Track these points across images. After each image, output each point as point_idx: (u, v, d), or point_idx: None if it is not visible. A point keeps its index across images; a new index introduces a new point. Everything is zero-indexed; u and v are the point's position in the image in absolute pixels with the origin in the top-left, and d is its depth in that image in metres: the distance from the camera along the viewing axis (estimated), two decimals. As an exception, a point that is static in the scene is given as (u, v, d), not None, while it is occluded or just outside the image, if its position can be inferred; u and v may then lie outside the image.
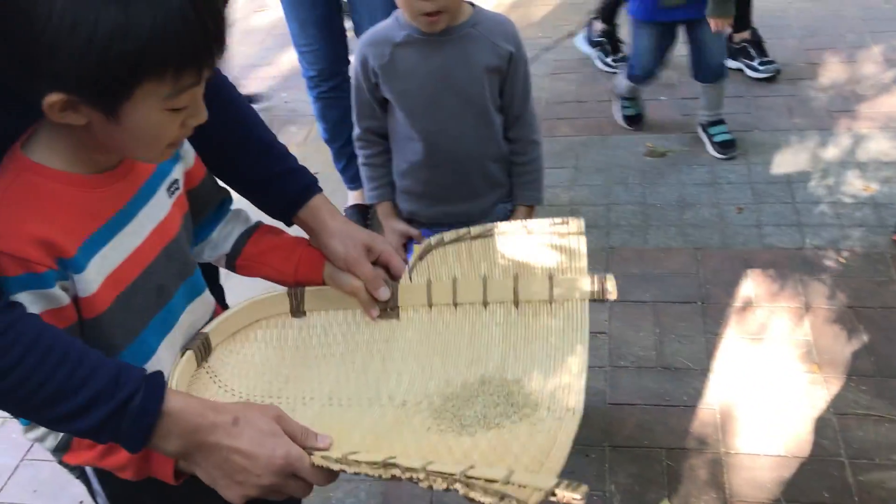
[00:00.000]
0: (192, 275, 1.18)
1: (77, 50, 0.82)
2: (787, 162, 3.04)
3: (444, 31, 1.60)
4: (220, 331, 1.19)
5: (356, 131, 1.81)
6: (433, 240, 1.24)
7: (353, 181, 2.89)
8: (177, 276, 1.14)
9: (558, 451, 0.92)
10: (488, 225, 1.22)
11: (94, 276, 0.99)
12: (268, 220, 1.30)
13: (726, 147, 3.10)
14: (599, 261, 2.66)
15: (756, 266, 2.57)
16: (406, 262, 1.25)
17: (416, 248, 1.25)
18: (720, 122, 3.16)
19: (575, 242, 1.17)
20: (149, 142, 0.95)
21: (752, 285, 2.50)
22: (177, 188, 1.14)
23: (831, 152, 3.06)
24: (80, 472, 1.20)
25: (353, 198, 3.01)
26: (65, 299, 0.97)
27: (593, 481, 1.97)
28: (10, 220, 0.92)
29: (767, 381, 2.17)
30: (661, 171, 3.08)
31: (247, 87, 3.84)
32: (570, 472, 2.05)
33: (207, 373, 1.16)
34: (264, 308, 1.25)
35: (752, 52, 3.53)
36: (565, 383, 1.06)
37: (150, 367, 1.02)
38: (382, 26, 1.67)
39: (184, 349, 1.13)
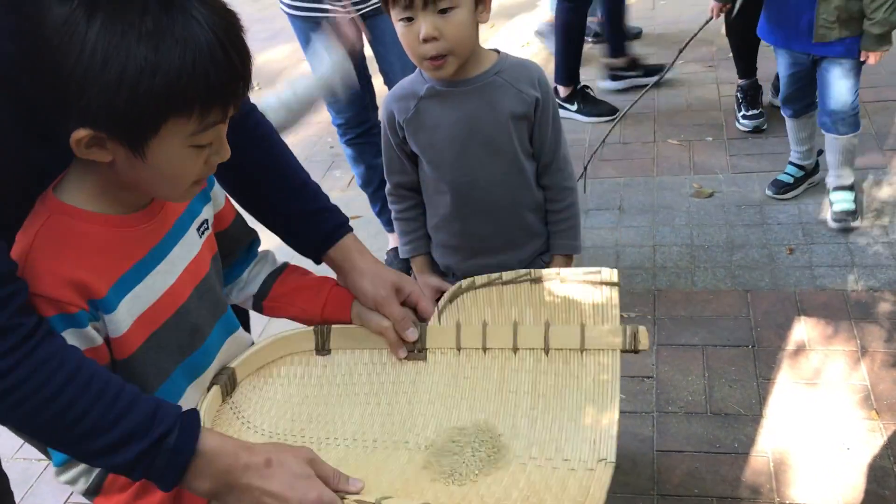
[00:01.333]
0: (225, 313, 1.18)
1: (107, 86, 0.84)
2: (839, 201, 2.97)
3: (466, 81, 1.56)
4: (246, 366, 1.20)
5: (387, 186, 1.80)
6: (464, 283, 1.23)
7: (391, 224, 2.90)
8: (210, 316, 1.14)
9: (591, 502, 0.91)
10: (521, 271, 1.21)
11: (125, 316, 1.00)
12: (296, 260, 1.30)
13: (843, 216, 2.80)
14: (646, 303, 2.61)
15: (809, 308, 2.50)
16: (436, 305, 1.24)
17: (447, 291, 1.24)
18: (847, 187, 2.85)
19: (608, 292, 1.16)
20: (173, 179, 0.96)
21: (804, 328, 2.43)
22: (206, 228, 1.15)
23: (886, 191, 2.98)
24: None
25: (393, 241, 3.02)
26: (98, 339, 0.98)
27: (641, 531, 1.91)
28: (44, 262, 0.93)
29: (823, 427, 2.09)
30: (709, 212, 3.03)
31: (295, 132, 3.89)
32: (618, 522, 1.99)
33: (231, 409, 1.16)
34: (290, 344, 1.25)
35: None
36: (597, 433, 1.05)
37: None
38: (408, 80, 1.66)
39: (210, 384, 1.13)
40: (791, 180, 3.02)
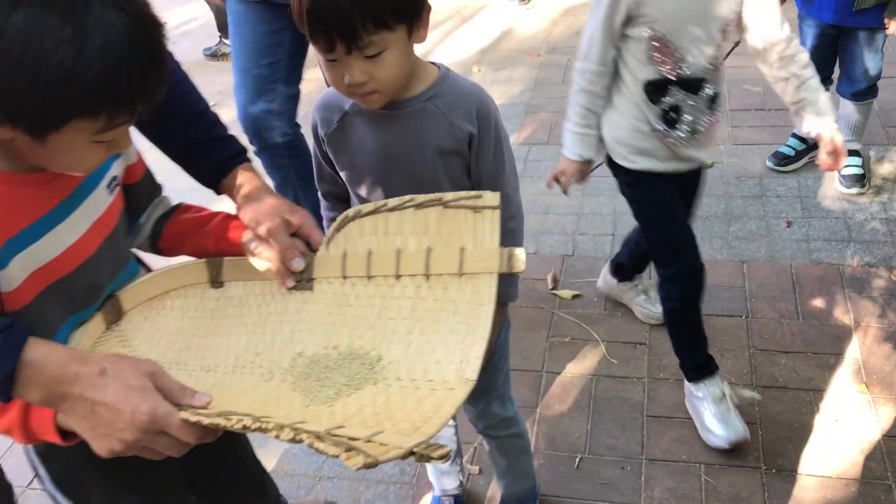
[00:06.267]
0: (125, 268, 1.19)
1: (18, 86, 0.83)
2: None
3: (395, 103, 1.30)
4: (133, 295, 1.20)
5: (318, 191, 1.59)
6: (350, 212, 1.23)
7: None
8: (110, 272, 1.15)
9: (438, 417, 0.91)
10: (405, 197, 1.20)
11: (18, 272, 0.99)
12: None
13: (853, 181, 2.87)
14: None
15: (804, 281, 2.50)
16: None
17: (335, 221, 1.24)
18: (856, 152, 2.91)
19: (489, 216, 1.15)
20: (70, 166, 0.97)
21: (799, 301, 2.43)
22: (116, 184, 1.14)
23: (885, 168, 2.98)
24: (29, 460, 1.20)
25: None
26: None
27: (628, 494, 1.92)
28: None
29: (813, 399, 2.10)
30: (708, 182, 2.99)
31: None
32: (605, 483, 2.02)
33: (117, 336, 1.16)
34: (181, 276, 1.25)
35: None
36: (465, 355, 1.05)
37: None
38: (335, 90, 1.35)
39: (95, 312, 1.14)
40: (792, 153, 3.00)
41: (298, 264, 1.21)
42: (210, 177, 1.27)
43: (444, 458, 0.80)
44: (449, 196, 1.18)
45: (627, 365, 2.28)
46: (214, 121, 1.28)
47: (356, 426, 0.91)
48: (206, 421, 0.90)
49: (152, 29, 0.90)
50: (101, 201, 1.10)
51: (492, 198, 1.15)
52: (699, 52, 1.73)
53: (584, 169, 1.95)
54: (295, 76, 2.44)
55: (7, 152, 0.96)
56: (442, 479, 1.93)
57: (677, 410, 2.12)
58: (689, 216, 2.07)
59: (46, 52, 0.82)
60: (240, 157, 1.27)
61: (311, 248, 1.24)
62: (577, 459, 2.02)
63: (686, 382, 2.10)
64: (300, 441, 0.84)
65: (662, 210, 1.97)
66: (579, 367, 2.30)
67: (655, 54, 1.73)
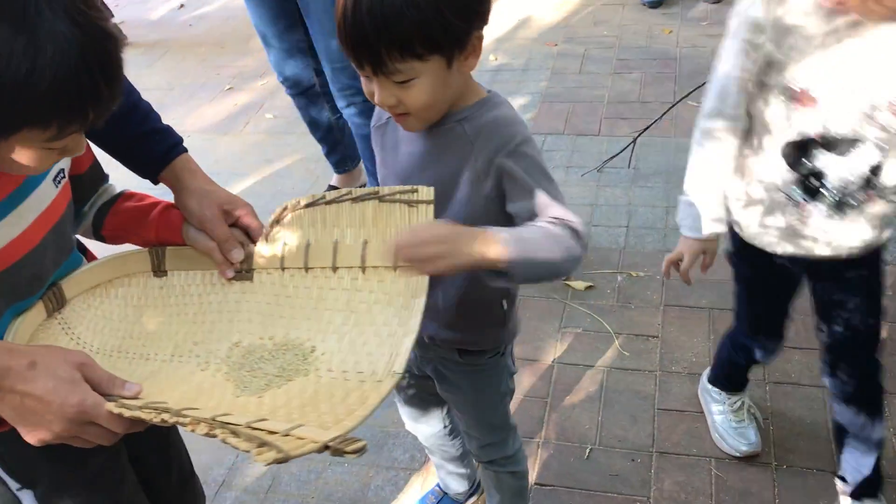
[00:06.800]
0: (68, 258, 1.19)
1: None
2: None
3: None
4: (76, 283, 1.20)
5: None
6: (290, 203, 1.25)
7: (338, 166, 3.15)
8: (53, 263, 1.15)
9: (362, 409, 0.91)
10: (343, 190, 1.23)
11: None
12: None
13: None
14: (655, 263, 2.59)
15: (819, 278, 2.48)
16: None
17: (273, 212, 1.26)
18: None
19: (423, 210, 1.16)
20: (20, 170, 0.95)
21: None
22: (63, 177, 1.14)
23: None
24: None
25: (335, 180, 3.21)
26: None
27: (637, 486, 1.92)
28: None
29: (825, 395, 2.09)
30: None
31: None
32: (615, 475, 2.01)
33: (60, 324, 1.17)
34: (124, 265, 1.26)
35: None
36: (395, 348, 1.06)
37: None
38: None
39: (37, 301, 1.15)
40: None
41: (237, 255, 1.23)
42: (148, 170, 1.27)
43: (358, 452, 0.79)
44: (385, 190, 1.21)
45: (640, 357, 2.28)
46: (148, 112, 1.27)
47: (281, 418, 0.92)
48: (127, 413, 0.91)
49: (105, 42, 0.88)
50: (47, 194, 1.10)
51: (426, 192, 1.17)
52: (856, 107, 1.35)
53: (711, 248, 1.61)
54: None
55: None
56: (447, 479, 1.91)
57: (689, 404, 2.12)
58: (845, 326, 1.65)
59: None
60: (177, 147, 1.27)
61: (251, 239, 1.25)
62: (588, 450, 2.02)
63: (703, 378, 2.09)
64: (214, 436, 0.84)
65: (766, 299, 1.78)
66: (591, 359, 2.30)
67: (797, 107, 1.39)
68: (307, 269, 1.23)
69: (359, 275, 1.19)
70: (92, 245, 1.32)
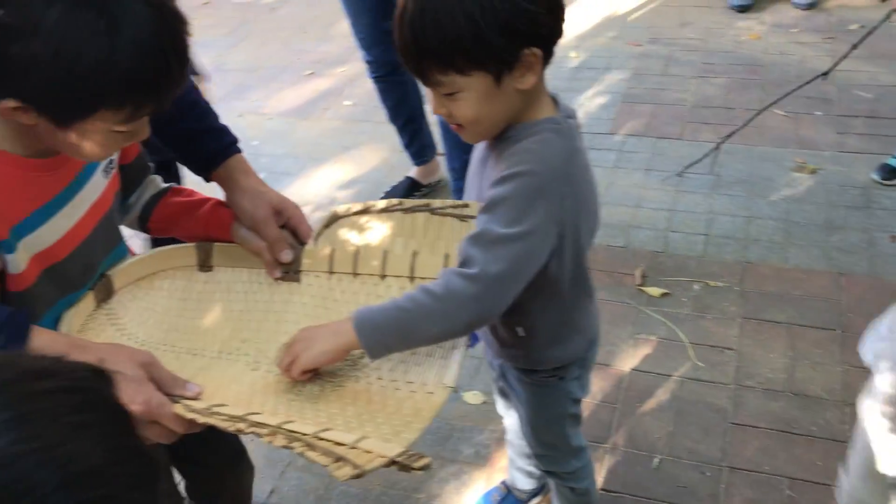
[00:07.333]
0: (117, 247, 1.22)
1: (52, 77, 0.86)
2: (950, 193, 2.83)
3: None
4: (124, 275, 1.23)
5: None
6: (340, 209, 1.27)
7: (417, 157, 3.11)
8: (103, 252, 1.17)
9: (418, 422, 0.94)
10: (394, 200, 1.25)
11: (24, 255, 1.02)
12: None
13: None
14: (733, 273, 2.54)
15: (906, 300, 2.40)
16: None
17: (324, 217, 1.28)
18: None
19: (473, 225, 1.17)
20: (88, 154, 0.98)
21: (899, 319, 2.33)
22: (112, 167, 1.17)
23: None
24: None
25: (413, 172, 3.16)
26: None
27: (706, 500, 1.89)
28: None
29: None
30: (810, 189, 2.92)
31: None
32: (683, 487, 1.98)
33: (107, 315, 1.19)
34: (171, 258, 1.28)
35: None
36: (445, 360, 1.07)
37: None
38: None
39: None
40: None
41: (287, 256, 1.25)
42: (203, 167, 1.29)
43: (424, 468, 0.81)
44: (437, 203, 1.24)
45: (714, 369, 2.24)
46: (206, 110, 1.30)
47: (339, 427, 0.94)
48: (200, 420, 0.93)
49: (177, 23, 0.93)
50: (98, 185, 1.13)
51: (476, 207, 1.17)
52: None
53: None
54: None
55: (20, 136, 0.99)
56: (516, 474, 1.89)
57: (763, 420, 2.07)
58: None
59: (82, 45, 0.85)
60: (232, 147, 1.29)
61: (299, 241, 1.27)
62: (657, 461, 1.99)
63: None
64: (292, 449, 0.86)
65: None
66: (664, 367, 2.26)
67: None
68: (355, 274, 1.24)
69: (407, 284, 1.20)
70: (130, 242, 1.35)
